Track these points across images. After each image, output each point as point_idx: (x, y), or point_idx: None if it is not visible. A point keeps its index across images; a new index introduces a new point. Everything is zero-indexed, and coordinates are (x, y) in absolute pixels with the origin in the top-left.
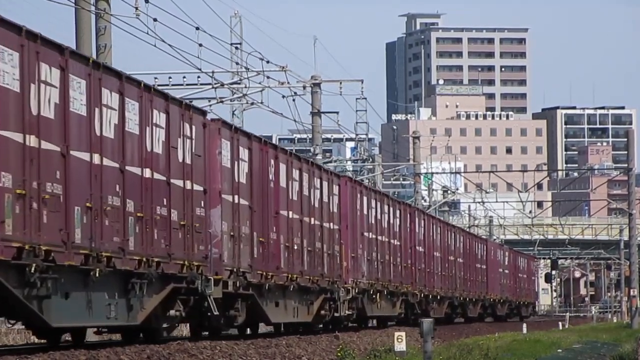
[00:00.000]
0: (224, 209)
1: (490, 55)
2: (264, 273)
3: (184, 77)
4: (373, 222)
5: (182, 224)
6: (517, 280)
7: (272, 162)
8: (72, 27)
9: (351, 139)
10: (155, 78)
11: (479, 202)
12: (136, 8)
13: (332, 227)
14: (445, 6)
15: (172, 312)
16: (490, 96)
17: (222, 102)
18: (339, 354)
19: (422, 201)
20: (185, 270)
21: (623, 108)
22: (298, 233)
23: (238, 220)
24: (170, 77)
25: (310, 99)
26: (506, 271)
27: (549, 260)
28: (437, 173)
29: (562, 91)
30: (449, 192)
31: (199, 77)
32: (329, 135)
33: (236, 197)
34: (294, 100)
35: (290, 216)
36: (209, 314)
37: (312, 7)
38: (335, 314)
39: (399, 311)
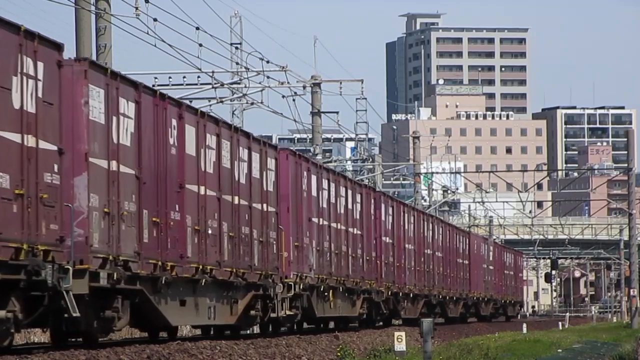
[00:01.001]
0: (93, 177)
1: (490, 55)
2: (160, 263)
3: (184, 77)
4: (325, 206)
5: (19, 193)
6: (503, 278)
7: (175, 122)
8: (72, 27)
9: (351, 139)
10: (155, 78)
11: (479, 202)
12: (136, 8)
13: (265, 209)
14: (445, 6)
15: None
16: (490, 96)
17: (222, 102)
18: (338, 354)
19: (422, 201)
20: (23, 256)
21: (623, 108)
22: (214, 214)
23: (117, 194)
24: (170, 77)
25: (310, 99)
26: (491, 267)
27: (549, 260)
28: (437, 173)
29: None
30: (449, 192)
31: (199, 77)
32: (329, 135)
33: (114, 163)
34: (294, 100)
35: (203, 192)
36: (66, 315)
37: (312, 7)
38: (272, 315)
39: (360, 311)
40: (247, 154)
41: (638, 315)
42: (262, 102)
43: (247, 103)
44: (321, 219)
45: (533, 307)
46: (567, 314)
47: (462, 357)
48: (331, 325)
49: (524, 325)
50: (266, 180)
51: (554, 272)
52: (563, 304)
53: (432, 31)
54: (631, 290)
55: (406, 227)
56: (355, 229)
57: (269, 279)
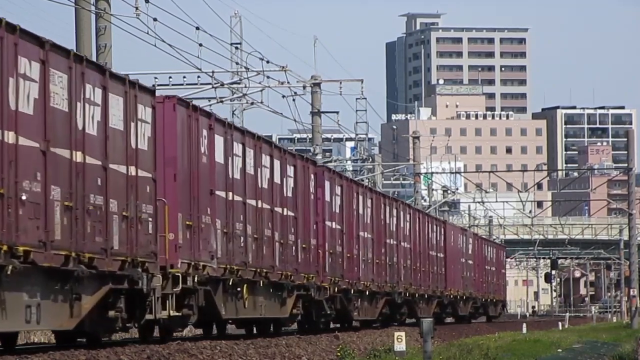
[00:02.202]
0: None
1: (490, 55)
2: None
3: (184, 77)
4: (238, 177)
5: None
6: (484, 274)
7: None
8: (72, 27)
9: (351, 139)
10: (155, 78)
11: (478, 202)
12: (136, 8)
13: (133, 174)
14: (445, 6)
15: None
16: (490, 96)
17: (222, 102)
18: (338, 354)
19: (422, 201)
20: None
21: (623, 108)
22: (37, 174)
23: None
24: (170, 77)
25: (310, 99)
26: (470, 262)
27: (548, 260)
28: (437, 173)
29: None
30: (448, 192)
31: (199, 77)
32: (329, 135)
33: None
34: (294, 100)
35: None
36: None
37: (312, 7)
38: (149, 316)
39: (293, 311)
40: (102, 96)
41: (638, 315)
42: (262, 102)
43: (247, 103)
44: (230, 193)
45: (533, 307)
46: (567, 314)
47: (462, 357)
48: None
49: (524, 325)
50: (135, 135)
51: (553, 272)
52: (563, 304)
53: (432, 31)
54: (631, 290)
55: (361, 211)
56: (285, 210)
57: (138, 267)
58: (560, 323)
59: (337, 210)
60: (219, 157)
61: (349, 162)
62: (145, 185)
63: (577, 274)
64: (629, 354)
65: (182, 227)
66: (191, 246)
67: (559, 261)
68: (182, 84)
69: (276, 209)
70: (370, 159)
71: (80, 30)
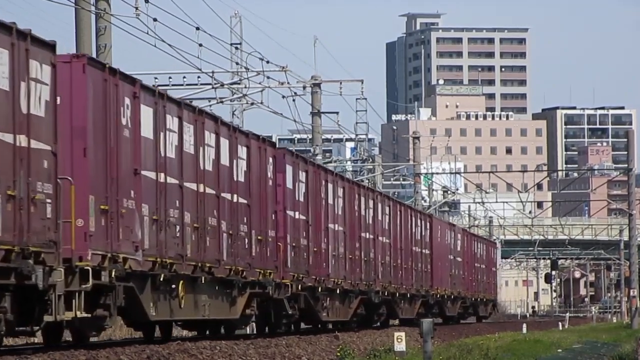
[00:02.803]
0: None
1: (490, 55)
2: None
3: (184, 77)
4: (173, 156)
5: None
6: (474, 272)
7: None
8: (72, 27)
9: (351, 139)
10: (155, 78)
11: (479, 203)
12: (136, 8)
13: (24, 145)
14: (445, 6)
15: None
16: (490, 96)
17: (222, 102)
18: (338, 354)
19: (422, 201)
20: None
21: (623, 108)
22: None
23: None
24: (170, 77)
25: (310, 99)
26: (459, 259)
27: (549, 261)
28: (437, 173)
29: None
30: (449, 192)
31: (199, 77)
32: (329, 136)
33: (162, 175)
34: (294, 100)
35: None
36: None
37: (312, 7)
38: (48, 318)
39: (247, 312)
40: None
41: (638, 316)
42: (262, 103)
43: (247, 103)
44: (163, 175)
45: (533, 307)
46: (567, 314)
47: (462, 357)
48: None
49: (524, 325)
50: (27, 97)
51: (554, 272)
52: (563, 305)
53: (432, 31)
54: (631, 290)
55: (331, 200)
56: (235, 196)
57: (29, 259)
58: (560, 323)
59: (302, 199)
60: (147, 132)
61: (349, 162)
62: (42, 160)
63: (577, 275)
64: (629, 354)
65: (94, 212)
66: (107, 235)
67: (559, 262)
68: (182, 84)
69: (224, 194)
70: (371, 160)
71: (80, 30)
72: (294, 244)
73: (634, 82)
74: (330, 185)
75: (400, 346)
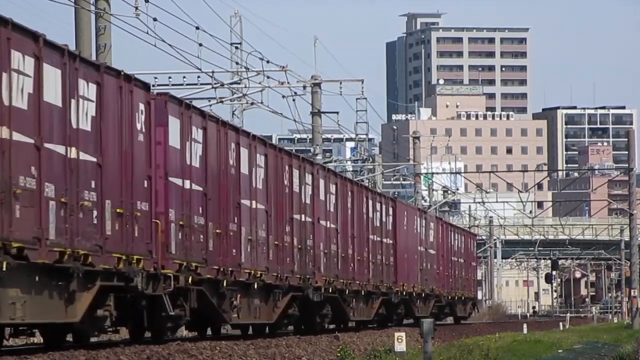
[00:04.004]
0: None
1: (491, 55)
2: None
3: (184, 77)
4: (87, 126)
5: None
6: (451, 266)
7: None
8: (72, 27)
9: (351, 139)
10: (155, 78)
11: (479, 202)
12: (136, 8)
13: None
14: (445, 6)
15: None
16: (491, 96)
17: (222, 102)
18: (339, 354)
19: (423, 201)
20: None
21: (624, 108)
22: None
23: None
24: (170, 77)
25: (310, 99)
26: (431, 251)
27: (549, 261)
28: (437, 173)
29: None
30: (449, 192)
31: (199, 77)
32: (329, 135)
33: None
34: (294, 100)
35: None
36: None
37: (312, 7)
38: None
39: (103, 313)
40: None
41: (639, 316)
42: (262, 102)
43: (247, 103)
44: (70, 149)
45: (534, 307)
46: (568, 314)
47: (463, 357)
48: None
49: (525, 325)
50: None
51: (554, 272)
52: (564, 305)
53: (432, 31)
54: (632, 290)
55: (245, 170)
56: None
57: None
58: (561, 323)
59: (196, 163)
60: (51, 96)
61: (349, 162)
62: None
63: (578, 275)
64: (629, 354)
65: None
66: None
67: (560, 262)
68: (182, 84)
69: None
70: (371, 159)
71: (80, 30)
72: (182, 223)
73: (635, 81)
74: (244, 151)
75: (400, 346)
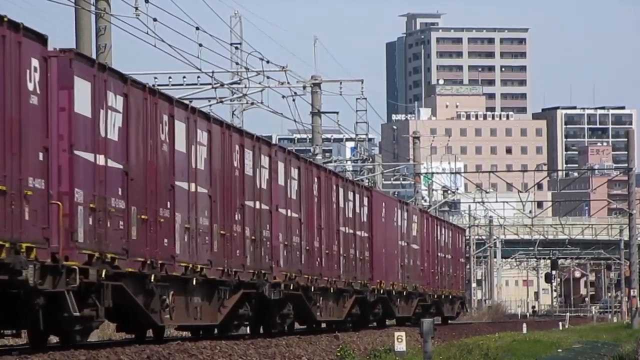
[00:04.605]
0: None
1: (490, 55)
2: None
3: (184, 77)
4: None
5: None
6: (437, 263)
7: None
8: (72, 27)
9: (351, 139)
10: (155, 78)
11: (479, 202)
12: (136, 8)
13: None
14: (445, 6)
15: None
16: (491, 96)
17: (222, 102)
18: (338, 354)
19: (422, 201)
20: None
21: (623, 108)
22: None
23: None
24: (170, 77)
25: (310, 99)
26: (414, 246)
27: (549, 261)
28: (437, 173)
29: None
30: (449, 192)
31: (199, 77)
32: (329, 135)
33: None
34: (294, 100)
35: None
36: None
37: (312, 7)
38: None
39: None
40: None
41: (638, 316)
42: (262, 102)
43: (247, 103)
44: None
45: (533, 307)
46: (568, 314)
47: (463, 357)
48: None
49: (524, 325)
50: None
51: (554, 272)
52: (563, 304)
53: (432, 31)
54: (631, 290)
55: (182, 148)
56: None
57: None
58: (560, 323)
59: (113, 135)
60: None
61: (349, 162)
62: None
63: (578, 274)
64: (629, 354)
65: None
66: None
67: (559, 261)
68: (182, 84)
69: None
70: (371, 159)
71: (80, 30)
72: (94, 206)
73: (634, 82)
74: (180, 125)
75: (400, 346)
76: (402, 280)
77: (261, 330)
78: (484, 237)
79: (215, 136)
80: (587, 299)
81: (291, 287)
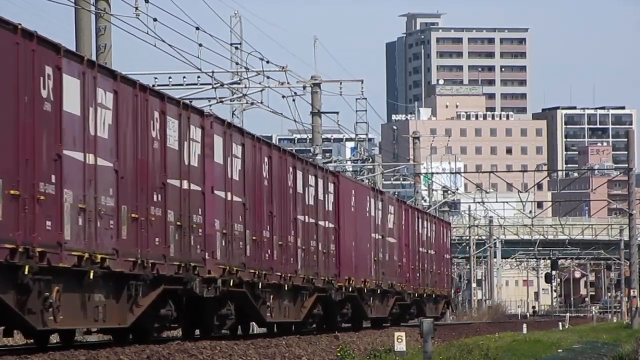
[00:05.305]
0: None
1: (490, 55)
2: None
3: (184, 77)
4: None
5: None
6: (418, 258)
7: None
8: (72, 27)
9: (351, 139)
10: (155, 78)
11: (479, 203)
12: (136, 8)
13: None
14: (445, 6)
15: None
16: (491, 96)
17: (222, 102)
18: (338, 354)
19: (422, 201)
20: None
21: (623, 108)
22: None
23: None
24: (170, 77)
25: (310, 99)
26: (391, 239)
27: (549, 261)
28: (437, 173)
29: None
30: (449, 192)
31: (199, 77)
32: (329, 135)
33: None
34: (294, 100)
35: None
36: None
37: (312, 7)
38: None
39: None
40: None
41: (638, 316)
42: (262, 102)
43: (247, 103)
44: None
45: (533, 307)
46: (568, 314)
47: (462, 357)
48: None
49: (524, 325)
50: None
51: (554, 272)
52: (563, 304)
53: (432, 31)
54: (631, 290)
55: (76, 108)
56: None
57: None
58: (560, 323)
59: None
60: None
61: (349, 162)
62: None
63: (578, 275)
64: (629, 354)
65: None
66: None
67: (559, 261)
68: (182, 84)
69: None
70: (371, 159)
71: (80, 30)
72: None
73: (634, 82)
74: (72, 81)
75: (400, 346)
76: (375, 277)
77: (197, 334)
78: (484, 237)
79: (122, 98)
80: (587, 299)
81: (231, 283)
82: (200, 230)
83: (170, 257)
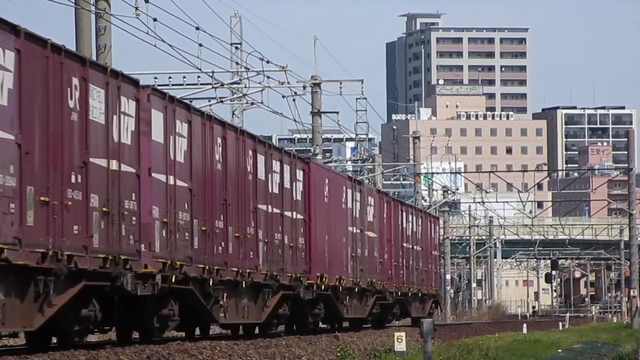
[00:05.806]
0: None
1: (491, 55)
2: None
3: (184, 77)
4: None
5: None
6: (402, 255)
7: None
8: (72, 27)
9: (351, 139)
10: (155, 78)
11: (479, 202)
12: (136, 8)
13: None
14: (445, 6)
15: None
16: (491, 96)
17: (222, 102)
18: (338, 354)
19: (423, 201)
20: None
21: (623, 108)
22: None
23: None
24: (170, 77)
25: (310, 99)
26: (371, 234)
27: (549, 261)
28: (437, 173)
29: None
30: (449, 192)
31: (199, 77)
32: (329, 135)
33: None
34: (294, 100)
35: None
36: None
37: (312, 7)
38: None
39: None
40: None
41: (638, 316)
42: (262, 102)
43: (247, 103)
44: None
45: (533, 307)
46: (568, 314)
47: (462, 357)
48: None
49: (524, 325)
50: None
51: (554, 272)
52: (563, 304)
53: (432, 31)
54: (631, 290)
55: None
56: None
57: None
58: (560, 323)
59: None
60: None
61: (349, 162)
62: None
63: (578, 275)
64: (629, 354)
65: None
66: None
67: (560, 261)
68: (182, 84)
69: None
70: (371, 159)
71: (80, 30)
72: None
73: (634, 82)
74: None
75: (400, 346)
76: (352, 274)
77: (135, 336)
78: (484, 237)
79: (27, 58)
80: (587, 299)
81: (174, 280)
82: (133, 218)
83: (93, 248)
